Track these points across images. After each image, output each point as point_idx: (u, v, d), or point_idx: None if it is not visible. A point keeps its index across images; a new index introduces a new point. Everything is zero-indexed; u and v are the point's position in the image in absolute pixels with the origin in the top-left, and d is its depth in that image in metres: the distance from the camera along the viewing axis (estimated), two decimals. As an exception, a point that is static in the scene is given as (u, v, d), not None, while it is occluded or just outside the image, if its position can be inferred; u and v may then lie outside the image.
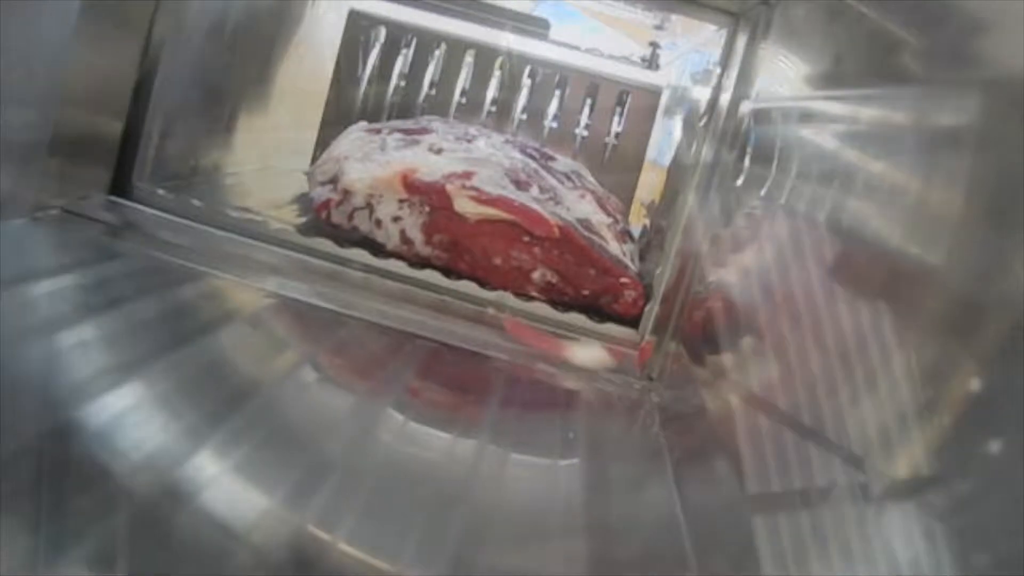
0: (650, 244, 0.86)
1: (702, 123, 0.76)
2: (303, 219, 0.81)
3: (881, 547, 0.27)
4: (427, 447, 0.48)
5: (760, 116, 0.66)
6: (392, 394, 0.54)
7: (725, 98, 0.74)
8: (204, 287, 0.64)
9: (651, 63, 0.95)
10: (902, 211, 0.34)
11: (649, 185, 0.94)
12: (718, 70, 0.76)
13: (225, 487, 0.38)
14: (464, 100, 0.99)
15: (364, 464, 0.44)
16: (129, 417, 0.42)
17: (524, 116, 0.95)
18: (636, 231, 0.88)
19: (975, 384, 0.26)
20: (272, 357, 0.57)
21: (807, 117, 0.52)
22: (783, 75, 0.63)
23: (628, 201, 0.90)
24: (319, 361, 0.58)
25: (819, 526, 0.32)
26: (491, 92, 0.96)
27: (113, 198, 0.70)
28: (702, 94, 0.81)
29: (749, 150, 0.66)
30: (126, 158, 0.70)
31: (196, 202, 0.72)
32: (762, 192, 0.56)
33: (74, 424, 0.39)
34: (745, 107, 0.71)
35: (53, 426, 0.38)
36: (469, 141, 0.87)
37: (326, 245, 0.73)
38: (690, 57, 0.93)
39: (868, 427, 0.31)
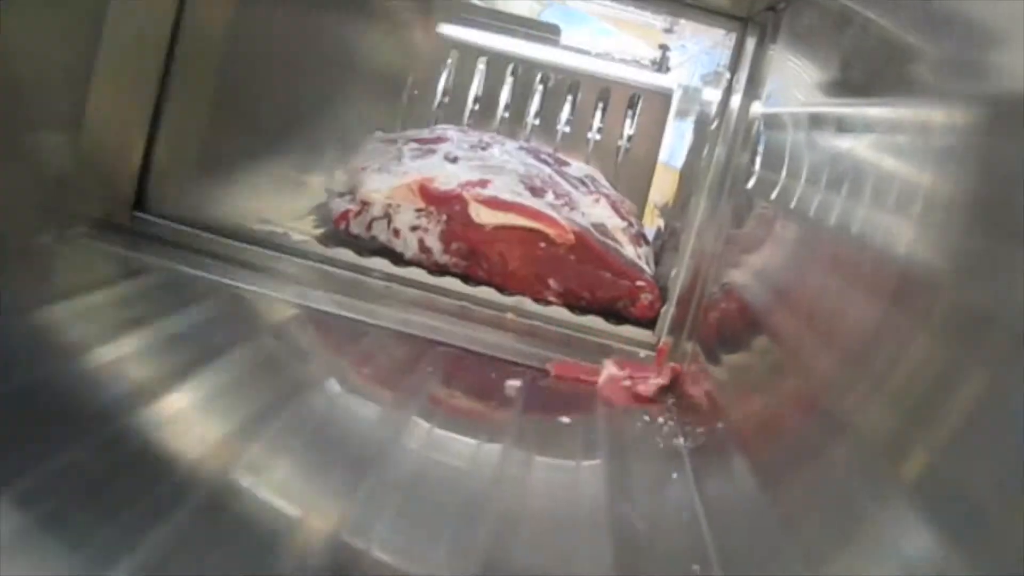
0: (665, 246, 0.87)
1: (713, 126, 0.77)
2: (322, 230, 0.83)
3: (895, 545, 0.28)
4: (453, 454, 0.50)
5: (770, 120, 0.67)
6: (417, 401, 0.55)
7: (736, 100, 0.75)
8: (230, 300, 0.66)
9: (661, 66, 0.96)
10: (909, 218, 0.35)
11: (662, 187, 0.95)
12: (728, 73, 0.77)
13: (259, 500, 0.40)
14: (477, 107, 1.00)
15: (393, 472, 0.45)
16: (163, 434, 0.43)
17: (537, 121, 0.96)
18: (650, 233, 0.89)
19: (983, 387, 0.27)
20: (299, 368, 0.59)
21: (816, 122, 0.53)
22: (793, 79, 0.64)
23: (642, 203, 0.92)
24: (345, 371, 0.59)
25: (836, 524, 0.33)
26: (504, 98, 0.97)
27: (137, 214, 0.71)
28: (713, 96, 0.82)
29: (760, 153, 0.67)
30: (148, 174, 0.72)
31: (218, 215, 0.73)
32: (773, 196, 0.57)
33: (110, 443, 0.41)
34: (756, 110, 0.72)
35: (89, 446, 0.40)
36: (484, 149, 0.88)
37: (347, 255, 0.75)
38: (700, 59, 0.94)
39: (879, 427, 0.32)
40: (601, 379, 0.64)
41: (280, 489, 0.41)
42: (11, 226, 0.60)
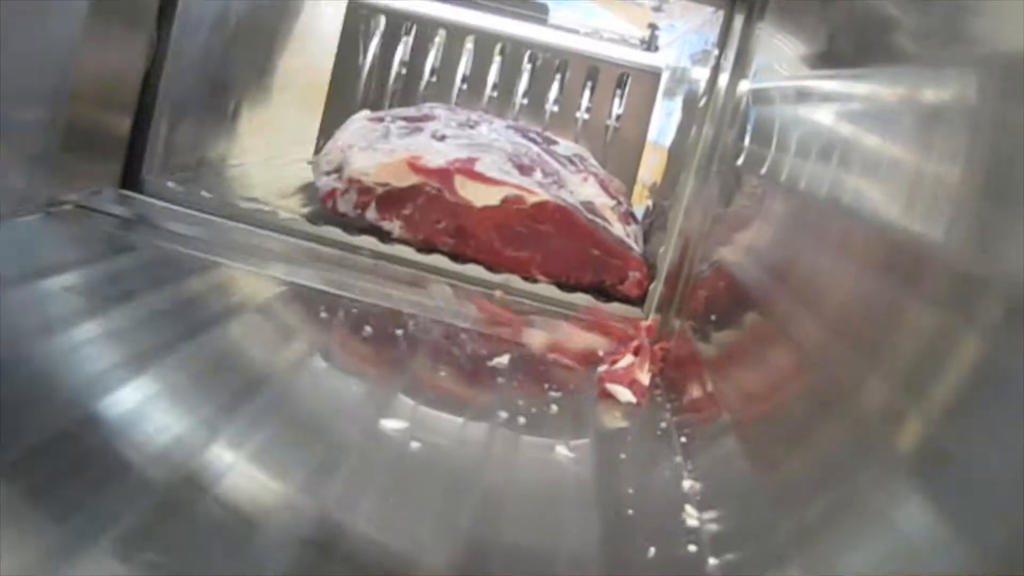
0: (653, 225, 0.88)
1: (701, 103, 0.77)
2: (309, 208, 0.83)
3: (891, 518, 0.28)
4: (439, 431, 0.50)
5: (758, 96, 0.67)
6: (403, 378, 0.55)
7: (724, 78, 0.75)
8: (216, 277, 0.65)
9: (650, 45, 0.96)
10: (900, 186, 0.35)
11: (651, 166, 0.95)
12: (716, 51, 0.77)
13: (243, 474, 0.40)
14: (465, 86, 1.00)
15: (377, 449, 0.45)
16: (147, 408, 0.43)
17: (525, 101, 0.96)
18: (639, 212, 0.89)
19: (979, 356, 0.26)
20: (284, 344, 0.59)
21: (804, 96, 0.53)
22: (780, 55, 0.65)
23: (630, 182, 0.92)
24: (331, 347, 0.60)
25: (831, 499, 0.33)
26: (492, 78, 0.97)
27: (124, 191, 0.71)
28: (701, 75, 0.82)
29: (748, 129, 0.67)
30: (135, 152, 0.72)
31: (205, 193, 0.73)
32: (762, 171, 0.57)
33: (94, 417, 0.41)
34: (743, 87, 0.73)
35: (74, 420, 0.40)
36: (472, 127, 0.88)
37: (335, 233, 0.75)
38: (689, 38, 0.94)
39: (874, 400, 0.32)
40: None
41: (263, 464, 0.41)
42: (-3, 202, 0.60)
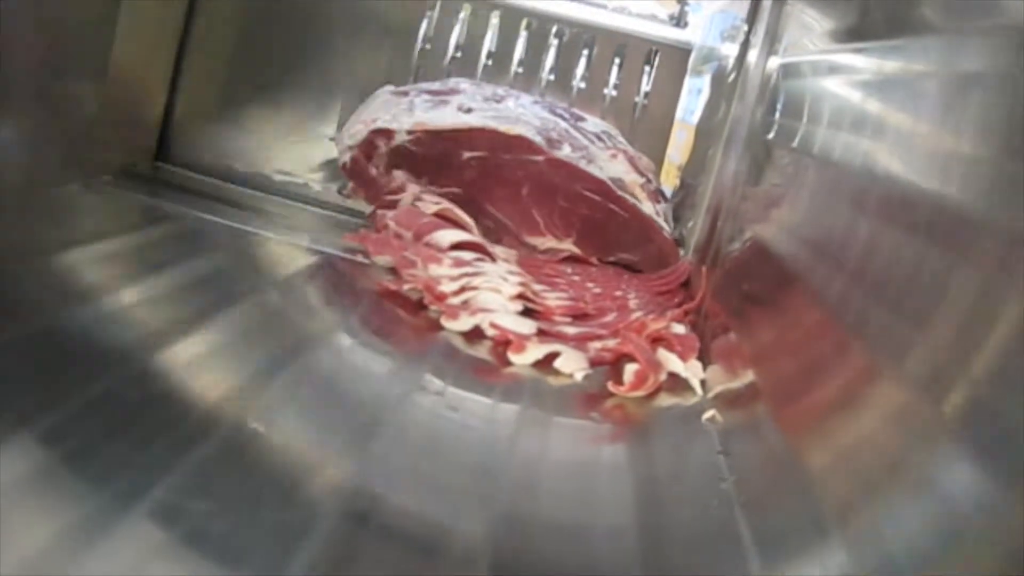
0: (683, 203, 0.90)
1: (730, 79, 0.80)
2: (336, 182, 0.86)
3: (937, 484, 0.29)
4: (469, 412, 0.51)
5: (789, 71, 0.70)
6: (431, 356, 0.58)
7: (753, 54, 0.78)
8: (251, 246, 0.69)
9: (679, 20, 0.99)
10: (936, 154, 0.37)
11: (678, 143, 0.98)
12: (745, 27, 0.80)
13: (278, 442, 0.42)
14: (490, 62, 1.03)
15: (409, 425, 0.47)
16: (191, 369, 0.46)
17: (551, 77, 0.98)
18: (668, 191, 0.92)
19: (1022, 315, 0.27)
20: (315, 317, 0.62)
21: (836, 69, 0.56)
22: (811, 29, 0.67)
23: (659, 160, 0.94)
24: (365, 315, 0.63)
25: (874, 468, 0.33)
26: (517, 53, 1.00)
27: (159, 164, 0.75)
28: (730, 51, 0.85)
29: (778, 105, 0.69)
30: (170, 124, 0.75)
31: (237, 165, 0.77)
32: (794, 144, 0.60)
33: (138, 378, 0.43)
34: (773, 63, 0.75)
35: (117, 381, 0.42)
36: (498, 101, 0.91)
37: (364, 205, 0.78)
38: (717, 15, 0.97)
39: (919, 366, 0.33)
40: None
41: (297, 434, 0.43)
42: (38, 173, 0.63)
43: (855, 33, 0.55)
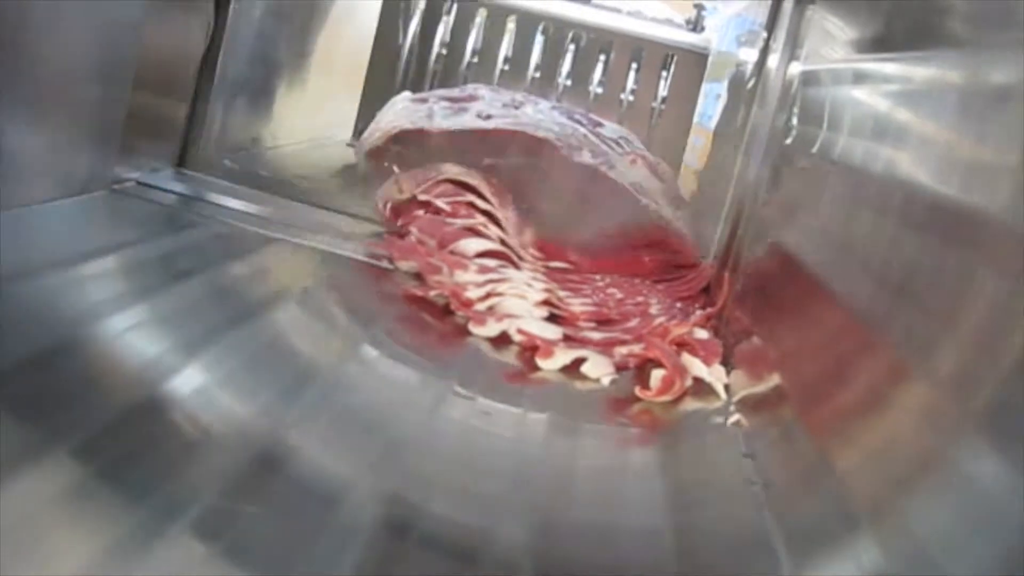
0: (702, 209, 0.92)
1: (750, 85, 0.82)
2: (357, 188, 0.88)
3: (970, 480, 0.29)
4: (501, 417, 0.52)
5: (809, 78, 0.72)
6: (461, 361, 0.59)
7: (774, 60, 0.80)
8: (275, 252, 0.70)
9: (696, 25, 1.00)
10: (959, 162, 0.38)
11: (694, 147, 0.99)
12: (764, 33, 0.82)
13: (313, 456, 0.42)
14: (507, 67, 1.05)
15: (442, 433, 0.48)
16: (219, 384, 0.46)
17: (568, 82, 1.00)
18: (685, 196, 0.94)
19: None
20: (344, 325, 0.63)
21: (859, 78, 0.57)
22: (832, 37, 0.69)
23: (676, 166, 0.96)
24: (392, 322, 0.64)
25: (905, 468, 0.34)
26: (534, 58, 1.01)
27: (182, 170, 0.77)
28: (749, 56, 0.86)
29: (797, 111, 0.71)
30: (193, 131, 0.77)
31: (263, 172, 0.79)
32: (813, 150, 0.61)
33: (167, 392, 0.43)
34: (794, 69, 0.77)
35: (146, 396, 0.42)
36: (516, 107, 0.92)
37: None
38: (734, 20, 0.99)
39: (946, 366, 0.34)
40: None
41: (331, 445, 0.43)
42: (63, 179, 0.65)
43: (877, 43, 0.56)
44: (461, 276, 0.68)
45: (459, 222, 0.76)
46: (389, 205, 0.79)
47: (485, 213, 0.78)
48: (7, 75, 0.55)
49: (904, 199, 0.43)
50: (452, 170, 0.79)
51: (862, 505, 0.36)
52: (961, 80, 0.41)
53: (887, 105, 0.50)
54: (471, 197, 0.78)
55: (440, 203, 0.78)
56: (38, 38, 0.57)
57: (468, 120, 0.88)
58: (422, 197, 0.78)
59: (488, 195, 0.78)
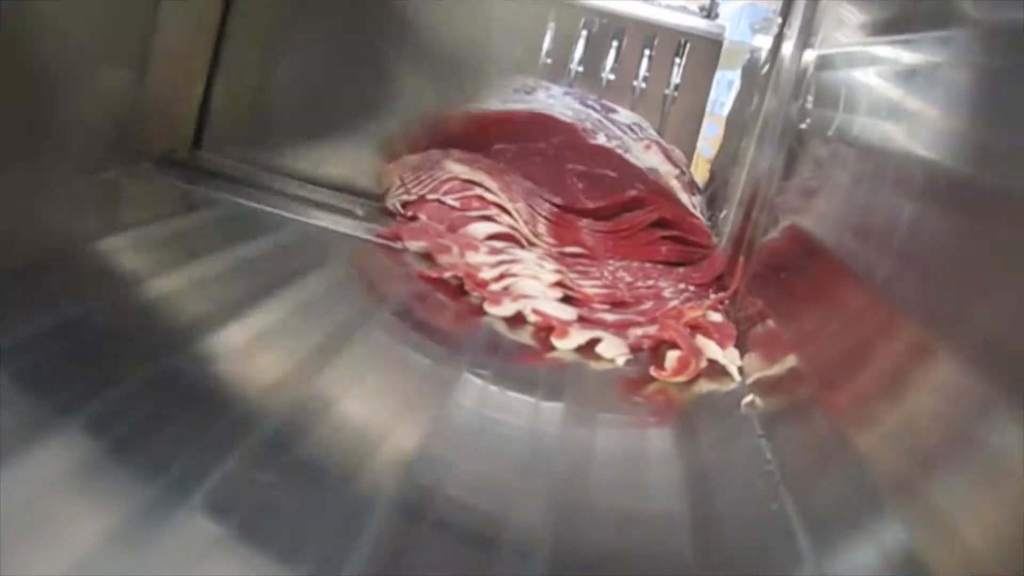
0: (715, 195, 0.92)
1: (764, 72, 0.81)
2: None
3: (995, 455, 0.29)
4: (516, 398, 0.52)
5: (824, 62, 0.72)
6: (477, 341, 0.60)
7: (788, 47, 0.79)
8: (287, 233, 0.71)
9: (710, 11, 1.00)
10: (975, 142, 0.38)
11: (707, 134, 0.99)
12: (779, 19, 0.81)
13: (328, 430, 0.42)
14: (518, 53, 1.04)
15: (458, 412, 0.48)
16: (233, 357, 0.47)
17: (581, 68, 1.00)
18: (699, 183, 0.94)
19: None
20: (360, 299, 0.64)
21: (874, 61, 0.57)
22: (847, 22, 0.68)
23: (690, 152, 0.96)
24: (408, 302, 0.64)
25: (927, 439, 0.34)
26: (545, 44, 1.01)
27: (198, 151, 0.77)
28: (763, 42, 0.86)
29: (811, 96, 0.71)
30: (208, 113, 0.77)
31: (273, 153, 0.79)
32: (829, 132, 0.61)
33: (188, 361, 0.44)
34: (809, 55, 0.77)
35: (169, 363, 0.43)
36: (528, 93, 0.92)
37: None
38: (748, 8, 0.98)
39: (971, 341, 0.33)
40: None
41: (345, 426, 0.43)
42: (81, 159, 0.65)
43: (892, 26, 0.56)
44: (472, 257, 0.68)
45: (472, 214, 0.76)
46: (398, 204, 0.79)
47: (495, 205, 0.78)
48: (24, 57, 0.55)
49: (925, 177, 0.43)
50: (455, 169, 0.79)
51: (885, 485, 0.36)
52: (976, 61, 0.41)
53: (904, 86, 0.50)
54: (479, 190, 0.78)
55: (450, 200, 0.77)
56: (52, 22, 0.57)
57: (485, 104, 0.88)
58: (431, 197, 0.78)
59: (496, 189, 0.77)
